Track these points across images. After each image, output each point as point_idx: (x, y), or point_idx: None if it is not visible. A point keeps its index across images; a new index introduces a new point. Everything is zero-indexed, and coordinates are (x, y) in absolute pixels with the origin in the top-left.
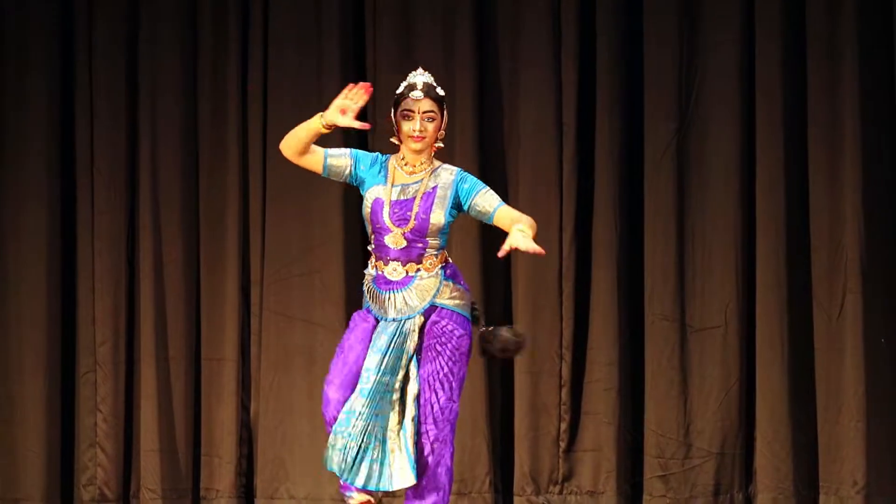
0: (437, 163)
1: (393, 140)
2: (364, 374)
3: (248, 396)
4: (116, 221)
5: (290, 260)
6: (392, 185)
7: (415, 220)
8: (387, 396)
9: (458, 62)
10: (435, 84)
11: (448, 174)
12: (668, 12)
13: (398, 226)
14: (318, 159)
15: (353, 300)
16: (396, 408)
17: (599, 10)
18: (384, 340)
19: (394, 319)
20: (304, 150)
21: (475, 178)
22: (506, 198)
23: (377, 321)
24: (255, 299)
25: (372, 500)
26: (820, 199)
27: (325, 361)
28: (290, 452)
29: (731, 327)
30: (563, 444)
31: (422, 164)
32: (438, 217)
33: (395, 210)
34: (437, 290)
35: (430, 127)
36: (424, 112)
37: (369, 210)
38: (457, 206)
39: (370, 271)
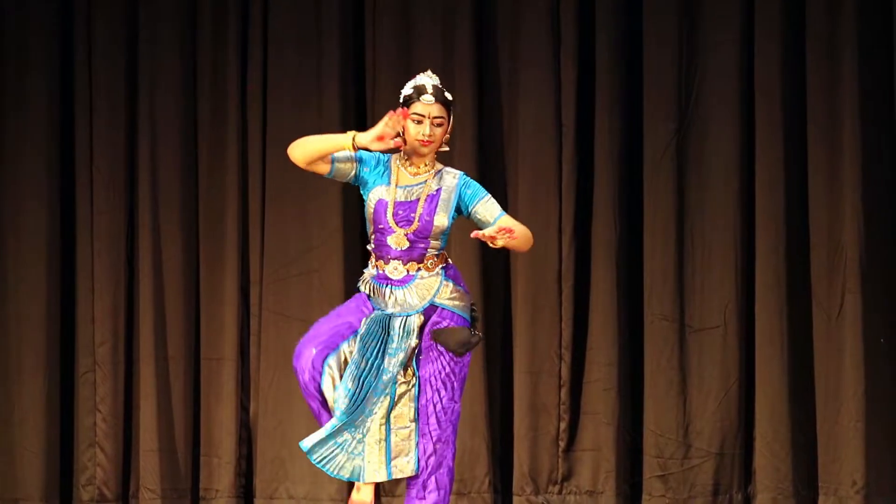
0: (439, 165)
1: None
2: (350, 367)
3: (248, 396)
4: (116, 221)
5: (289, 260)
6: (396, 186)
7: (419, 221)
8: (373, 397)
9: (457, 62)
10: (443, 88)
11: (451, 178)
12: (667, 12)
13: (402, 227)
14: (326, 163)
15: None
16: (384, 405)
17: (599, 9)
18: (371, 332)
19: (391, 315)
20: (320, 160)
21: (478, 185)
22: (505, 198)
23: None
24: (254, 299)
25: (366, 500)
26: (819, 199)
27: None
28: (289, 452)
29: (731, 327)
30: (562, 444)
31: (425, 165)
32: (442, 220)
33: (399, 211)
34: (438, 290)
35: (439, 132)
36: (434, 117)
37: (372, 211)
38: (458, 210)
39: (370, 271)
